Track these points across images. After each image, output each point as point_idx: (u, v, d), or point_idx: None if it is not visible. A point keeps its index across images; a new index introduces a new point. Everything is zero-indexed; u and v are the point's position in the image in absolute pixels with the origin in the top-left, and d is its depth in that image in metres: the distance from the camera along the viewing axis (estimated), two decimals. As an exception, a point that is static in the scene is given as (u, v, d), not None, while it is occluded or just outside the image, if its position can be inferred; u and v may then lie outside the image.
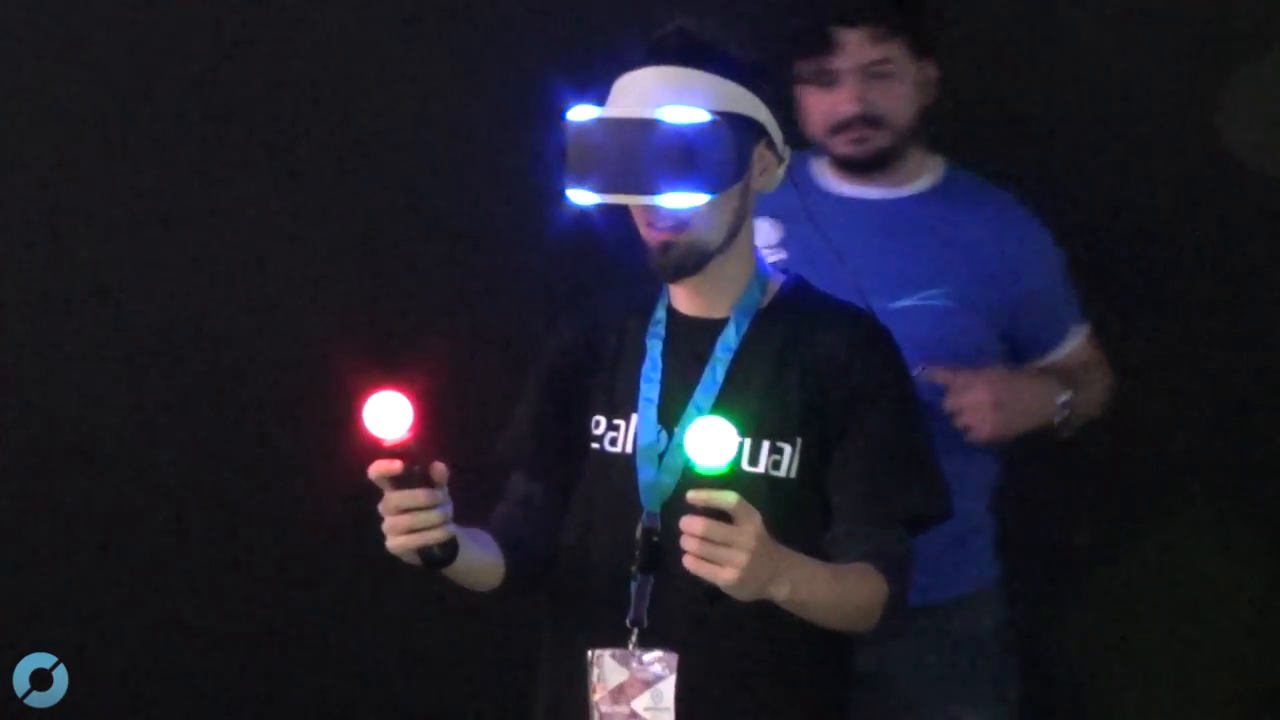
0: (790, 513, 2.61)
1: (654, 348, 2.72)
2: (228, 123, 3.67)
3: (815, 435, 2.66)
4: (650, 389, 2.69)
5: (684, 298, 2.74)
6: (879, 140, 3.26)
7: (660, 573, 2.61)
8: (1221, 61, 3.57)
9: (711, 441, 2.34)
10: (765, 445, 2.66)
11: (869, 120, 3.24)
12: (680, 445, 2.60)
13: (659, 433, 2.68)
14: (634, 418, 2.69)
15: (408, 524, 2.47)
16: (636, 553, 2.62)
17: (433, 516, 2.48)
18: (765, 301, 2.73)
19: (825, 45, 3.22)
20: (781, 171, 2.73)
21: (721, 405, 2.64)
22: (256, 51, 3.66)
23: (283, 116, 3.68)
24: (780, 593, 2.45)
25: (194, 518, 3.74)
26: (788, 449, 2.66)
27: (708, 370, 2.68)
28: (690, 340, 2.71)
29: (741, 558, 2.36)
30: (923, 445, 2.69)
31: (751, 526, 2.38)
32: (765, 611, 2.51)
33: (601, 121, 2.57)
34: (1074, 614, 3.63)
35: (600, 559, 2.69)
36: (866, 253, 3.19)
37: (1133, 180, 3.65)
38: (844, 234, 3.12)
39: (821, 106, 3.26)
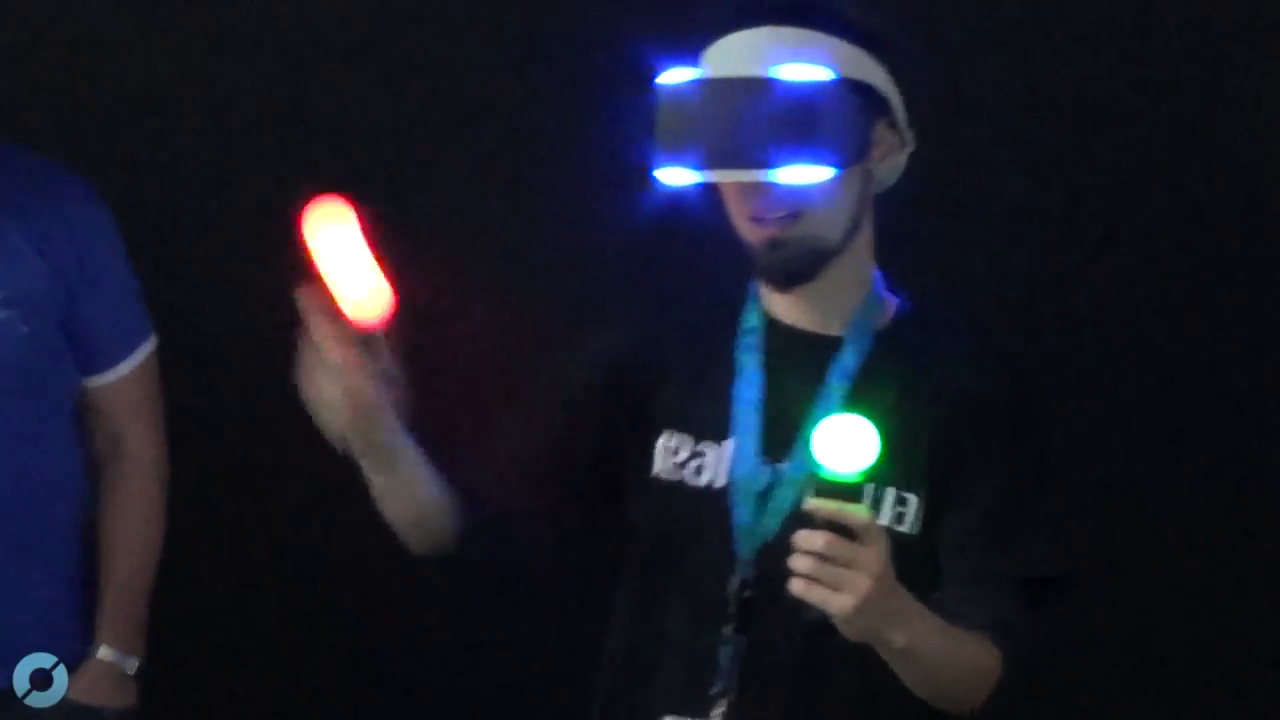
0: (911, 576, 2.25)
1: (749, 363, 2.38)
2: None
3: (940, 486, 2.33)
4: (748, 412, 2.36)
5: (784, 305, 2.40)
6: None
7: (754, 633, 2.31)
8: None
9: (848, 443, 2.08)
10: (890, 494, 2.32)
11: None
12: (791, 480, 2.31)
13: (761, 465, 2.34)
14: (727, 445, 2.35)
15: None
16: (731, 610, 2.30)
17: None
18: (883, 322, 2.40)
19: None
20: (904, 159, 2.40)
21: None
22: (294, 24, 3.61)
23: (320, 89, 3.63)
24: (898, 639, 2.17)
25: (195, 516, 3.55)
26: (913, 500, 2.32)
27: (823, 397, 2.34)
28: (796, 358, 2.37)
29: (864, 583, 2.09)
30: (1053, 498, 2.37)
31: (879, 549, 2.10)
32: (873, 687, 2.26)
33: (703, 83, 2.27)
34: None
35: (678, 612, 2.36)
36: None
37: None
38: None
39: None
